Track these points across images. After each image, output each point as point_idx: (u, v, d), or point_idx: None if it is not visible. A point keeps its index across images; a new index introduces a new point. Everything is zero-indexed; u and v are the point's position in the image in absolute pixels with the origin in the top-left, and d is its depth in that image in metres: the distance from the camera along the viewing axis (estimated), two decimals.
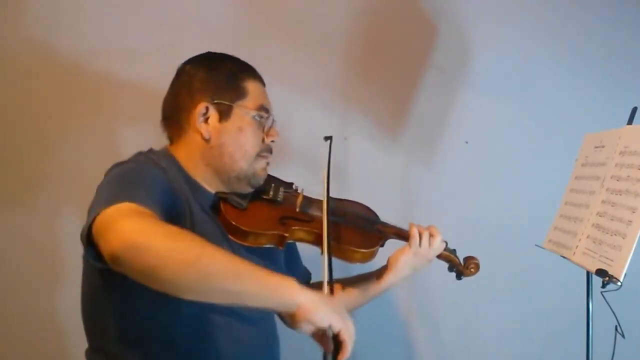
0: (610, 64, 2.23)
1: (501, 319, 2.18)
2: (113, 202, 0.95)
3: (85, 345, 1.22)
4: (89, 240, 0.97)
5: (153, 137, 1.32)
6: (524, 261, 2.05)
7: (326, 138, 1.33)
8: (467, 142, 2.16)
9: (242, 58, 1.34)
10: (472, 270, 1.45)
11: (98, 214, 0.94)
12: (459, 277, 1.47)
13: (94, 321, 1.17)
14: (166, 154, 1.24)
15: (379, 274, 1.39)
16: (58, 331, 1.88)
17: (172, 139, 1.28)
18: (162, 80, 1.32)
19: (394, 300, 2.11)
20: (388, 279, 1.38)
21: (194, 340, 1.13)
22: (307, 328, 0.95)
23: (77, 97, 1.90)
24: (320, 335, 0.98)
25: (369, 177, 2.05)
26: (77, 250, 1.14)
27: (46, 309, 1.89)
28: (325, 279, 1.09)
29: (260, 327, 1.24)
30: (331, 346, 0.97)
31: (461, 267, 1.46)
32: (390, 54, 2.13)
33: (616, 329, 1.38)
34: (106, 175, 1.14)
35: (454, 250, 1.48)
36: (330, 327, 0.95)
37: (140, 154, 1.22)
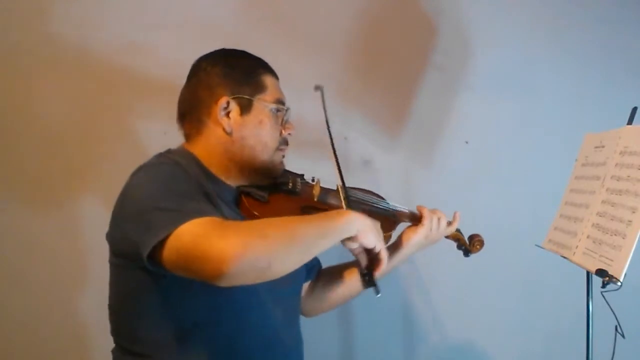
0: (610, 64, 2.23)
1: (501, 318, 2.18)
2: (181, 220, 0.99)
3: (105, 345, 1.23)
4: (150, 253, 1.01)
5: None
6: (524, 261, 2.06)
7: (316, 88, 1.31)
8: (467, 142, 2.16)
9: None
10: (477, 247, 1.52)
11: (168, 234, 0.98)
12: (466, 254, 1.53)
13: (129, 322, 1.19)
14: (185, 153, 1.25)
15: (391, 253, 1.40)
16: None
17: (189, 136, 1.28)
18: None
19: (395, 300, 2.12)
20: (398, 257, 1.41)
21: (228, 340, 1.16)
22: (354, 246, 1.12)
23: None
24: (360, 251, 1.17)
25: (369, 177, 2.05)
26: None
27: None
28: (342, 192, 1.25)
29: (290, 327, 1.28)
30: (366, 261, 1.18)
31: (467, 245, 1.51)
32: (390, 54, 2.13)
33: (616, 329, 1.38)
34: (137, 180, 1.14)
35: (459, 229, 1.52)
36: (375, 246, 1.13)
37: (161, 155, 1.22)
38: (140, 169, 1.16)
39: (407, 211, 1.45)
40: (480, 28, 2.16)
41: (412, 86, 2.13)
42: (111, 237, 1.16)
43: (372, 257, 1.16)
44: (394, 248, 1.41)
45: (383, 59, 2.12)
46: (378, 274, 1.17)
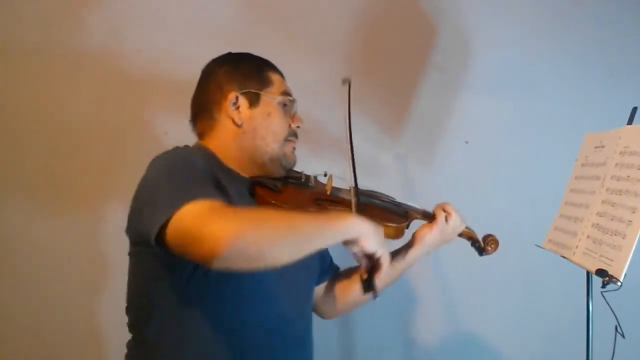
0: (610, 64, 2.23)
1: (501, 318, 2.18)
2: (183, 201, 1.02)
3: (120, 348, 1.26)
4: (157, 236, 1.04)
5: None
6: (524, 261, 2.05)
7: (344, 81, 1.37)
8: (467, 142, 2.16)
9: None
10: (492, 246, 1.50)
11: (171, 214, 1.01)
12: (480, 253, 1.52)
13: (141, 311, 1.22)
14: (201, 147, 1.31)
15: (405, 251, 1.44)
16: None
17: (202, 134, 1.33)
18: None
19: (395, 300, 2.11)
20: (414, 255, 1.43)
21: (232, 332, 1.18)
22: (355, 249, 1.11)
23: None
24: (362, 256, 1.14)
25: (368, 176, 2.04)
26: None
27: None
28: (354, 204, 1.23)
29: (300, 319, 1.30)
30: (368, 265, 1.16)
31: (481, 244, 1.50)
32: (390, 54, 2.13)
33: (616, 329, 1.38)
34: (151, 167, 1.18)
35: (471, 229, 1.51)
36: (375, 252, 1.12)
37: (177, 148, 1.27)
38: (156, 157, 1.20)
39: (420, 209, 1.46)
40: (480, 28, 2.16)
41: (412, 86, 2.13)
42: (129, 227, 1.20)
43: (374, 263, 1.15)
44: (407, 246, 1.44)
45: (383, 59, 2.12)
46: (378, 279, 1.16)
